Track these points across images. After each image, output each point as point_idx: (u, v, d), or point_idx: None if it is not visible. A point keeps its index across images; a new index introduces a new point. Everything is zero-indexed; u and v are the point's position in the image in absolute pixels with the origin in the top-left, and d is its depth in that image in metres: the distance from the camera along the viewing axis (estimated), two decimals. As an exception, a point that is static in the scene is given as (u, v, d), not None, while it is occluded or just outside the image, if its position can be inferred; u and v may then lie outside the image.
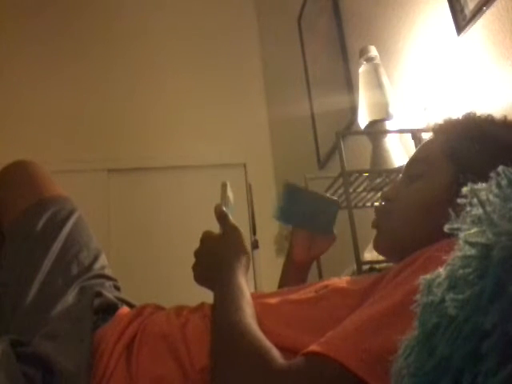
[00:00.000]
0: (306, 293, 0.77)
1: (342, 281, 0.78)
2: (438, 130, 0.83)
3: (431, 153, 0.80)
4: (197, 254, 0.85)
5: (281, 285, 1.07)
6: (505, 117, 0.78)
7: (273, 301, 0.77)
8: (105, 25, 3.25)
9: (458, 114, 0.82)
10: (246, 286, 0.75)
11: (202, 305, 0.82)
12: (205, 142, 3.10)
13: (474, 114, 0.80)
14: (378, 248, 0.83)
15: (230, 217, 0.88)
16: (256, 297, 0.78)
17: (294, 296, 0.77)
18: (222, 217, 0.87)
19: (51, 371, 0.67)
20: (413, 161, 0.83)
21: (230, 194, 0.95)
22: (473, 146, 0.74)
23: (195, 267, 0.84)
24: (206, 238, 0.86)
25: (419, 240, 0.71)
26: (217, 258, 0.81)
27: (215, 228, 0.88)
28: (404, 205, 0.80)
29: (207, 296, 0.83)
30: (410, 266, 0.64)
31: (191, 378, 0.68)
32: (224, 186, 0.95)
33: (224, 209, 0.89)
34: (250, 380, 0.57)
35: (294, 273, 1.07)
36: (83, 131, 3.05)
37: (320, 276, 1.47)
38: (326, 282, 0.78)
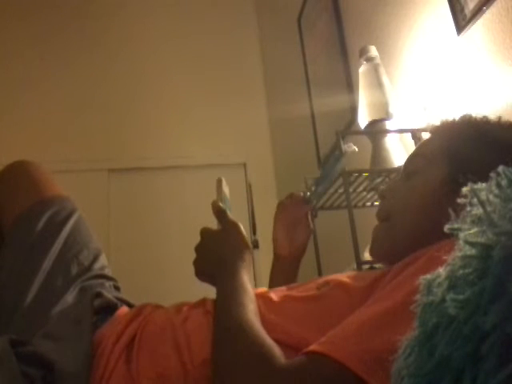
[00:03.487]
0: (307, 289, 0.77)
1: (343, 276, 0.78)
2: (435, 131, 0.84)
3: (428, 150, 0.81)
4: (197, 249, 0.84)
5: (271, 285, 1.07)
6: (499, 117, 0.78)
7: (275, 297, 0.76)
8: (105, 24, 3.25)
9: (456, 114, 0.83)
10: (248, 283, 0.75)
11: (204, 301, 0.81)
12: (205, 141, 3.10)
13: (470, 115, 0.81)
14: (373, 254, 0.83)
15: (228, 212, 0.88)
16: (257, 294, 0.77)
17: (295, 293, 0.77)
18: (220, 213, 0.87)
19: (51, 371, 0.67)
20: (410, 158, 0.84)
21: (225, 189, 0.94)
22: (469, 144, 0.75)
23: (196, 262, 0.84)
24: (206, 233, 0.85)
25: (417, 239, 0.71)
26: (218, 253, 0.81)
27: (216, 227, 0.88)
28: (401, 201, 0.80)
29: (207, 295, 0.83)
30: (411, 265, 0.64)
31: (191, 375, 0.68)
32: (219, 181, 0.94)
33: (221, 205, 0.88)
34: (251, 377, 0.57)
35: (281, 270, 1.08)
36: (83, 131, 3.05)
37: (320, 276, 1.47)
38: (326, 278, 0.78)
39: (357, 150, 1.04)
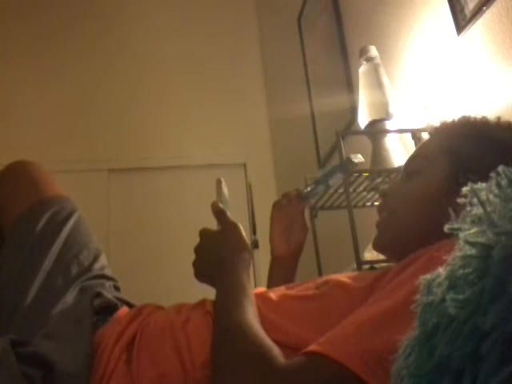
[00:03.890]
0: (306, 289, 0.77)
1: (342, 276, 0.78)
2: (435, 131, 0.84)
3: (428, 150, 0.81)
4: (197, 250, 0.84)
5: (269, 285, 1.06)
6: (498, 118, 0.79)
7: (273, 296, 0.76)
8: (105, 25, 3.25)
9: (456, 114, 0.83)
10: (248, 283, 0.75)
11: (203, 301, 0.81)
12: (205, 141, 3.10)
13: (469, 116, 0.81)
14: (376, 245, 0.83)
15: (228, 213, 0.88)
16: (256, 294, 0.77)
17: (294, 292, 0.77)
18: (219, 213, 0.87)
19: (51, 371, 0.67)
20: (411, 158, 0.85)
21: (224, 190, 0.94)
22: (470, 143, 0.76)
23: (195, 264, 0.84)
24: (205, 234, 0.85)
25: (418, 237, 0.72)
26: (218, 254, 0.81)
27: (215, 228, 0.88)
28: (402, 201, 0.80)
29: (207, 296, 0.83)
30: (411, 265, 0.64)
31: (192, 376, 0.68)
32: (219, 182, 0.94)
33: (221, 205, 0.88)
34: (251, 378, 0.57)
35: (278, 270, 1.07)
36: (83, 131, 3.05)
37: (320, 276, 1.47)
38: (325, 278, 0.78)
39: (363, 160, 1.04)
